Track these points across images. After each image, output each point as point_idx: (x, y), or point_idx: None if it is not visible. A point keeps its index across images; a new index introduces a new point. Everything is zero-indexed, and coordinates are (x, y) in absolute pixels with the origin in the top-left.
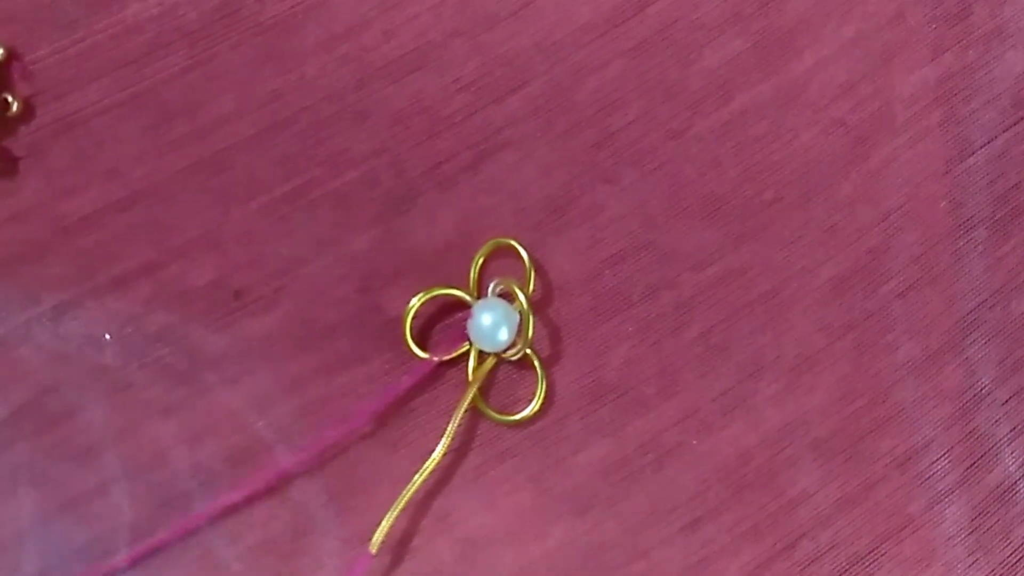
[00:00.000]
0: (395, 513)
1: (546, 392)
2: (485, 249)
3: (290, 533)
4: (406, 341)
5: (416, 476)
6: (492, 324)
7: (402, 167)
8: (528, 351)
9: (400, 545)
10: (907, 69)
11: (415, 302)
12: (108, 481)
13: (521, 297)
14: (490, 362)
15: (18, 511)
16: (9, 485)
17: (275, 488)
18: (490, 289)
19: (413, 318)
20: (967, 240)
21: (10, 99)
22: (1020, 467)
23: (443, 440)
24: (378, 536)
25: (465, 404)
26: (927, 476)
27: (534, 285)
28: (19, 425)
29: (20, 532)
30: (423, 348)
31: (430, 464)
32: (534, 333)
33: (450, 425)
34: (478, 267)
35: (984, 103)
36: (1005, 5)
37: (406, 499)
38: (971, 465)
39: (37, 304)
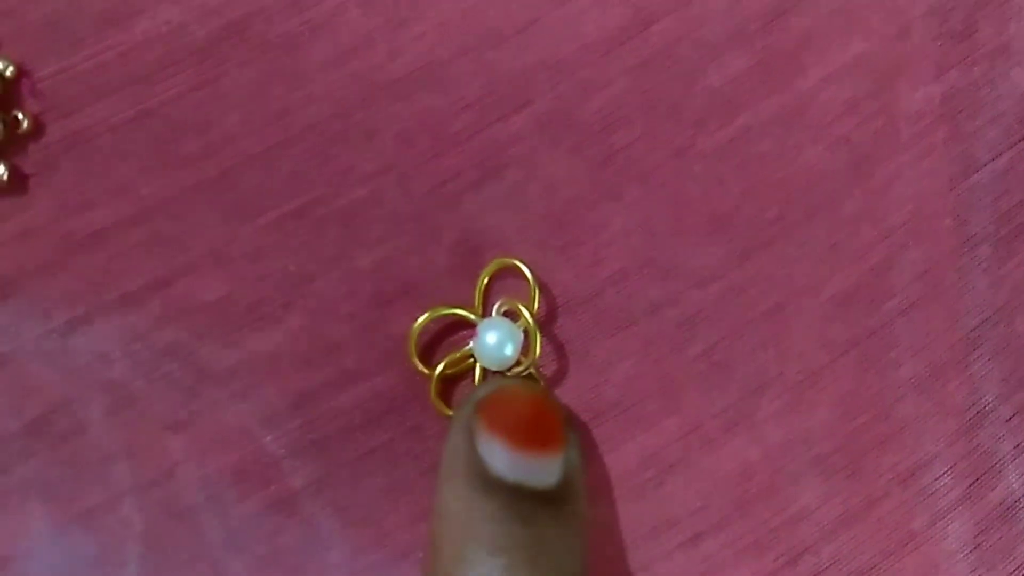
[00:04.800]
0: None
1: None
2: (490, 268)
3: (297, 546)
4: (411, 359)
5: None
6: (497, 343)
7: (408, 185)
8: (532, 370)
9: (402, 558)
10: (912, 86)
11: (421, 321)
12: (118, 495)
13: (527, 316)
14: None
15: (29, 524)
16: (20, 499)
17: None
18: (495, 308)
19: (418, 337)
20: (971, 257)
21: (20, 116)
22: (1023, 484)
23: None
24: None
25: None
26: (930, 492)
27: (538, 303)
28: (30, 439)
29: (31, 545)
30: (428, 366)
31: None
32: (540, 352)
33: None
34: (483, 286)
35: (989, 120)
36: (1011, 22)
37: None
38: (974, 482)
39: (48, 320)
